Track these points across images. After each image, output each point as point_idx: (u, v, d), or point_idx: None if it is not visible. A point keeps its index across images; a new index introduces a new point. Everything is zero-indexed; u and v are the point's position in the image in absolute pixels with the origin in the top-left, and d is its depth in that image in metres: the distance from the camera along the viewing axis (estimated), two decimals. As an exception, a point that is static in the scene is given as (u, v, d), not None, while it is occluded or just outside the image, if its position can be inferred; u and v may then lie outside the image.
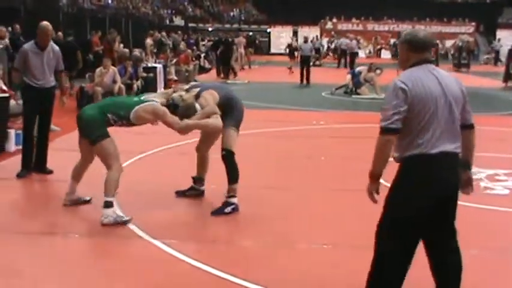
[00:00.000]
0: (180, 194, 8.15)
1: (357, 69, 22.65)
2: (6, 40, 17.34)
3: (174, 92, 7.65)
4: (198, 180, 8.25)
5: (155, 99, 7.30)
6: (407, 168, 4.54)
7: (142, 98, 7.40)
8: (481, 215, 7.69)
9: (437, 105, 4.38)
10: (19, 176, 8.93)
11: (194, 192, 8.18)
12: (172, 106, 7.22)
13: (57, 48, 9.44)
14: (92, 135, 7.06)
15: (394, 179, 4.66)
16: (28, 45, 9.21)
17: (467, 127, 4.76)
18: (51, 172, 9.16)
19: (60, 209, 7.42)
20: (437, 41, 46.92)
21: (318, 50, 45.57)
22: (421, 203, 4.43)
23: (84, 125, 7.15)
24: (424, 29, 5.29)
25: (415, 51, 4.50)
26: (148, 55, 25.24)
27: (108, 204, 6.83)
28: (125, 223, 6.78)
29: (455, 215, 4.68)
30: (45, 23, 9.25)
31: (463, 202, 7.80)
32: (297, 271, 5.67)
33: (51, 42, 9.37)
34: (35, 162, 9.21)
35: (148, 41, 28.57)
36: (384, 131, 4.47)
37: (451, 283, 4.66)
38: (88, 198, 7.65)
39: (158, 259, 5.87)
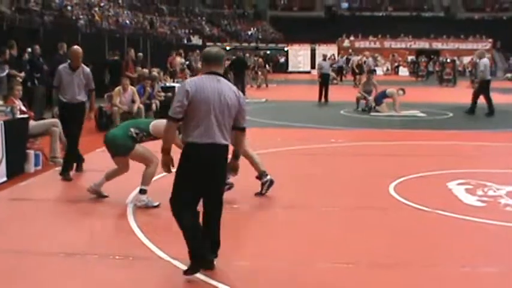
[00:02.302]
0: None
1: (388, 90, 22.40)
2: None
3: None
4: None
5: None
6: (185, 151, 5.77)
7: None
8: (503, 232, 7.61)
9: (211, 107, 5.63)
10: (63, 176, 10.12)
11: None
12: None
13: (88, 70, 10.47)
14: (120, 151, 8.35)
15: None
16: (62, 66, 10.50)
17: (239, 129, 5.97)
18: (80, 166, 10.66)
19: (84, 229, 7.44)
20: (455, 58, 46.87)
21: (341, 69, 45.60)
22: (191, 175, 5.73)
23: (110, 144, 8.39)
24: (219, 47, 6.55)
25: (207, 64, 5.86)
26: (177, 74, 25.36)
27: (143, 191, 8.31)
28: (154, 207, 8.19)
29: (218, 192, 5.97)
30: (76, 47, 10.58)
31: (485, 220, 7.84)
32: (317, 290, 5.64)
33: (82, 65, 10.42)
34: (63, 167, 10.31)
35: (178, 59, 28.78)
36: (169, 119, 5.71)
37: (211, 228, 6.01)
38: (106, 194, 8.75)
39: (175, 277, 5.86)
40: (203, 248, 5.85)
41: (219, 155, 5.81)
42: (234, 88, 5.90)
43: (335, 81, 38.46)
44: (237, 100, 5.82)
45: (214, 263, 5.97)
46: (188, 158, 5.71)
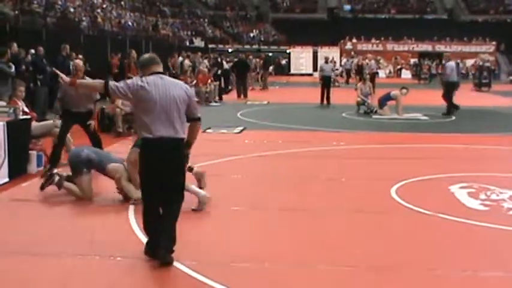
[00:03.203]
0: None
1: (392, 92, 22.36)
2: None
3: None
4: None
5: None
6: (142, 145, 6.21)
7: None
8: (505, 236, 7.59)
9: (158, 103, 6.01)
10: (48, 171, 9.58)
11: None
12: None
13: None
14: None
15: None
16: None
17: (193, 120, 6.37)
18: None
19: (85, 229, 7.44)
20: (458, 61, 46.81)
21: (348, 71, 45.65)
22: (147, 168, 6.17)
23: None
24: (150, 54, 6.79)
25: (147, 67, 6.29)
26: (186, 76, 25.32)
27: None
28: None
29: (173, 181, 6.21)
30: (78, 61, 11.78)
31: (488, 224, 7.83)
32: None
33: (85, 76, 10.81)
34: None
35: (187, 62, 28.81)
36: (106, 85, 6.24)
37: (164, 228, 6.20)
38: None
39: (176, 279, 5.86)
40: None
41: (172, 149, 6.11)
42: (180, 83, 6.42)
43: (337, 84, 38.33)
44: (185, 93, 6.24)
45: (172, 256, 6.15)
46: (145, 153, 6.17)
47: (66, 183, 8.94)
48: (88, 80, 8.96)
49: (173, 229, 6.23)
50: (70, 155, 9.30)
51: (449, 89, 22.60)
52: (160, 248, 6.12)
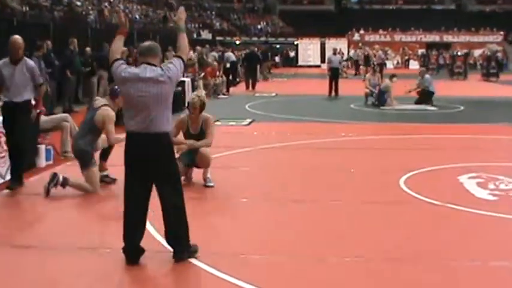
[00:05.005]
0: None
1: (382, 85, 22.31)
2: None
3: None
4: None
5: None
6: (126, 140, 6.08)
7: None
8: (514, 226, 7.60)
9: (134, 97, 5.86)
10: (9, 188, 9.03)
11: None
12: None
13: (32, 63, 9.19)
14: None
15: None
16: (2, 61, 9.13)
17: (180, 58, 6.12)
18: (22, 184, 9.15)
19: (95, 223, 7.47)
20: (468, 51, 46.73)
21: (357, 62, 45.64)
22: (127, 164, 6.03)
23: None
24: (153, 42, 6.46)
25: (141, 55, 6.11)
26: (194, 68, 25.31)
27: None
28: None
29: (160, 175, 6.00)
30: (15, 36, 9.03)
31: (497, 213, 7.82)
32: (329, 285, 5.64)
33: (25, 57, 9.13)
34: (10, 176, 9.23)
35: (192, 54, 28.81)
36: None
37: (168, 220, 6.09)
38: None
39: (184, 270, 5.89)
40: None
41: (153, 143, 5.94)
42: (158, 70, 5.96)
43: (345, 75, 38.22)
44: (168, 81, 5.93)
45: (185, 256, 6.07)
46: (127, 148, 6.03)
47: (72, 180, 8.84)
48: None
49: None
50: (79, 146, 9.04)
51: (427, 98, 22.33)
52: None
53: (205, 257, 6.10)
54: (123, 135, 6.40)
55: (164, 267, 6.04)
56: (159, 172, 6.00)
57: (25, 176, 9.40)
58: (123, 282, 5.80)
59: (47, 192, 8.60)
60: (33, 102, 9.25)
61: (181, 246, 6.08)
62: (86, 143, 8.94)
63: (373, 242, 6.80)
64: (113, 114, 8.89)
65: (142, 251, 6.10)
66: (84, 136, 8.98)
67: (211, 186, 9.15)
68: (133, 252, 6.07)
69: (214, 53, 32.65)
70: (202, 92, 9.74)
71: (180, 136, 9.13)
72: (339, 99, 25.55)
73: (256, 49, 34.97)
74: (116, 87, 8.65)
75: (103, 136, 9.07)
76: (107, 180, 9.24)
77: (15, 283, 5.68)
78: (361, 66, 43.61)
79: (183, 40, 6.19)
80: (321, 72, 42.19)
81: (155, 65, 6.00)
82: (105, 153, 9.38)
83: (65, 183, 8.69)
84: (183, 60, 6.12)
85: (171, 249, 6.09)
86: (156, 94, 5.87)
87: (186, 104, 9.56)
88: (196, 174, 9.47)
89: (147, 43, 6.30)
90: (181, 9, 6.46)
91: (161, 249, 6.36)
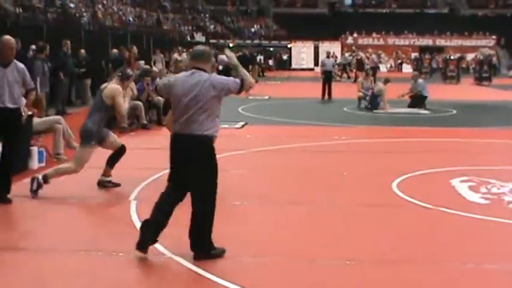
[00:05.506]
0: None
1: (376, 89, 22.33)
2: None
3: None
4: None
5: None
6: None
7: None
8: (506, 229, 7.61)
9: (182, 100, 6.03)
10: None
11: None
12: None
13: (22, 66, 8.48)
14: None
15: None
16: None
17: (240, 87, 6.22)
18: (9, 201, 8.38)
19: (87, 225, 7.46)
20: (462, 55, 46.89)
21: (344, 66, 45.73)
22: (171, 163, 6.22)
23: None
24: (206, 47, 6.56)
25: (192, 59, 6.33)
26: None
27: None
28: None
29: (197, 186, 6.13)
30: (7, 36, 8.43)
31: (489, 217, 7.84)
32: (319, 286, 5.65)
33: (15, 60, 8.40)
34: None
35: (176, 56, 28.90)
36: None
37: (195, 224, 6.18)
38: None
39: (178, 274, 5.88)
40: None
41: (193, 146, 6.06)
42: (206, 77, 6.08)
43: (338, 79, 38.28)
44: (212, 87, 6.03)
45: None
46: (170, 147, 6.19)
47: (50, 172, 8.85)
48: None
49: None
50: (85, 125, 8.91)
51: (420, 101, 22.42)
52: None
53: (200, 260, 6.09)
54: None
55: (159, 270, 6.04)
56: (193, 173, 6.11)
57: (17, 178, 9.37)
58: (119, 283, 5.79)
59: (35, 195, 8.60)
60: (23, 108, 8.98)
61: (199, 250, 6.15)
62: (92, 122, 8.88)
63: (366, 245, 6.80)
64: (120, 89, 8.93)
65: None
66: (91, 116, 8.97)
67: None
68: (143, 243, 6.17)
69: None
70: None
71: None
72: (332, 102, 25.57)
73: (247, 52, 35.02)
74: (128, 70, 8.96)
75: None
76: (109, 186, 9.19)
77: (14, 284, 5.67)
78: (350, 70, 43.83)
79: (244, 72, 6.38)
80: (314, 76, 42.23)
81: (205, 70, 6.13)
82: (113, 160, 9.32)
83: (46, 180, 8.69)
84: (242, 83, 6.21)
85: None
86: (196, 97, 5.99)
87: None
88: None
89: (200, 48, 6.43)
90: (227, 50, 6.85)
91: (156, 252, 6.36)
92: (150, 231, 6.14)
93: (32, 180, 8.68)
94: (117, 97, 8.80)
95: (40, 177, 8.68)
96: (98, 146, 9.09)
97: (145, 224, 6.22)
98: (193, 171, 6.09)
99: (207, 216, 6.16)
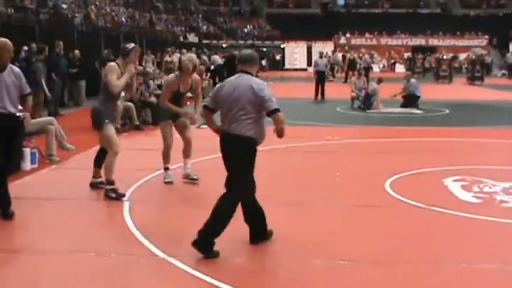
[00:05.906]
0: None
1: (370, 89, 22.37)
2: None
3: None
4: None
5: None
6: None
7: None
8: (498, 228, 7.63)
9: (226, 100, 6.32)
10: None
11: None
12: None
13: (18, 70, 7.88)
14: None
15: None
16: None
17: (271, 112, 6.37)
18: (12, 215, 7.78)
19: (80, 226, 7.45)
20: (455, 55, 46.97)
21: (332, 66, 45.79)
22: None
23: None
24: (253, 51, 6.89)
25: (239, 62, 6.60)
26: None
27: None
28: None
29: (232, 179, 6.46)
30: (3, 39, 7.76)
31: (481, 216, 7.86)
32: (314, 287, 5.65)
33: (10, 64, 7.79)
34: None
35: (167, 58, 28.88)
36: (204, 107, 6.76)
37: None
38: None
39: (171, 275, 5.88)
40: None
41: (231, 143, 6.37)
42: (251, 81, 6.34)
43: (330, 79, 38.30)
44: (251, 91, 6.26)
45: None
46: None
47: (106, 173, 8.84)
48: None
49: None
50: (93, 107, 9.02)
51: (413, 101, 22.51)
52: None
53: (191, 261, 6.09)
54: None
55: (153, 271, 6.03)
56: (231, 169, 6.47)
57: (10, 179, 9.34)
58: (117, 285, 5.79)
59: (123, 197, 8.71)
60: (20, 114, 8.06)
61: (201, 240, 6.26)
62: (99, 102, 8.93)
63: (359, 245, 6.81)
64: (115, 66, 8.82)
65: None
66: (99, 97, 9.01)
67: (196, 179, 9.54)
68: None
69: (204, 57, 32.63)
70: (194, 56, 10.18)
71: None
72: (325, 102, 25.59)
73: (237, 52, 35.02)
74: (128, 45, 9.00)
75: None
76: (101, 187, 9.12)
77: (14, 284, 5.68)
78: (337, 70, 44.00)
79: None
80: (307, 76, 42.25)
81: (251, 74, 6.45)
82: (98, 161, 9.26)
83: (111, 183, 8.74)
84: (276, 111, 6.41)
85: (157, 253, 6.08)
86: (237, 99, 6.27)
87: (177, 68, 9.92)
88: (177, 174, 9.48)
89: (248, 52, 6.79)
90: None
91: (148, 253, 6.35)
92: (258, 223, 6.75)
93: (106, 195, 8.71)
94: (109, 74, 8.73)
95: (108, 187, 8.73)
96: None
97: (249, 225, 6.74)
98: (231, 168, 6.46)
99: (224, 216, 6.41)
